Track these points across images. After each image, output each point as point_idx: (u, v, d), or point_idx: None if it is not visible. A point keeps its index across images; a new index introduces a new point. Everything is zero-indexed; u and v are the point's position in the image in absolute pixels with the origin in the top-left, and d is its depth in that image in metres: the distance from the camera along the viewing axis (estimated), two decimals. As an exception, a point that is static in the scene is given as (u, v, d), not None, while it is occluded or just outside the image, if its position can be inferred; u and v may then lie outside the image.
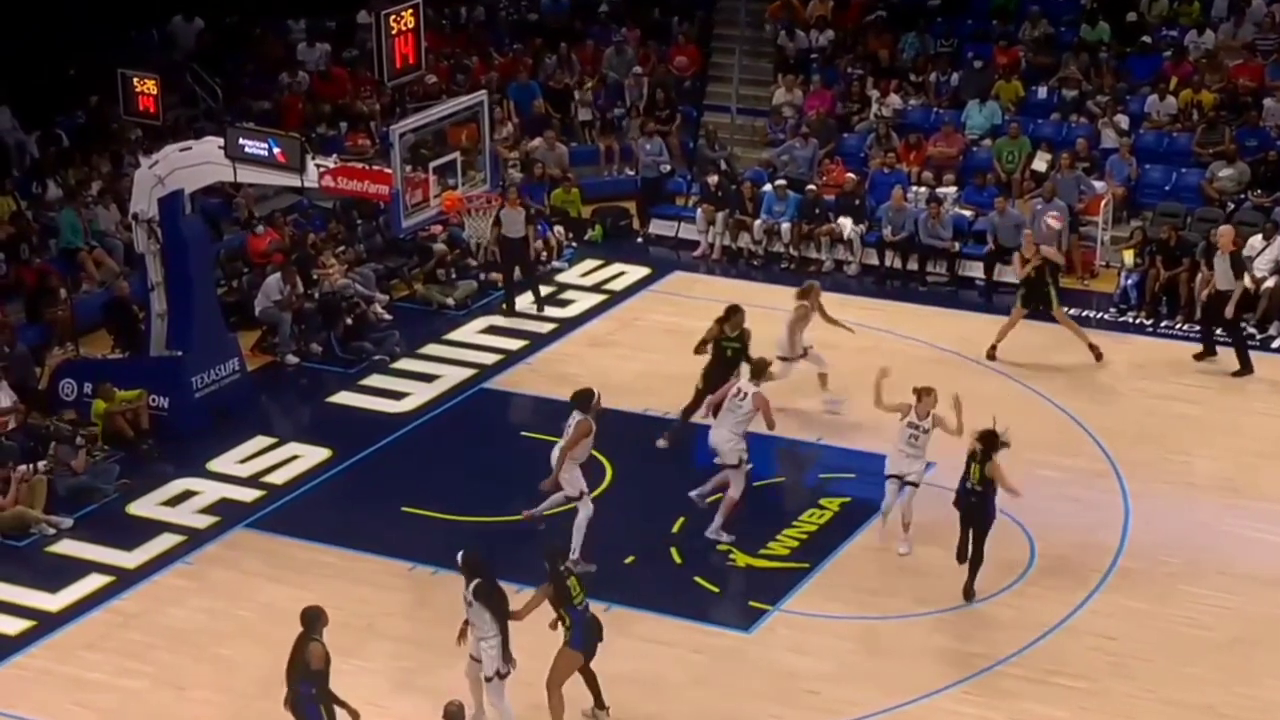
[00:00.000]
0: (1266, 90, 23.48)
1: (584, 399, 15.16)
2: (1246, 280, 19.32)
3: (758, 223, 22.98)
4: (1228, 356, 19.22)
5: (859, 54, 25.91)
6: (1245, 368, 19.08)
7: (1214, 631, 14.26)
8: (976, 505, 14.50)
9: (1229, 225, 20.31)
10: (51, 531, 15.98)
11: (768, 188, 23.22)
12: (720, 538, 15.56)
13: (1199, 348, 19.58)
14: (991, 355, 19.35)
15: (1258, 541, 15.64)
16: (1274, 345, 20.01)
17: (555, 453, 15.11)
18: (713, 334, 17.22)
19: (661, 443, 17.28)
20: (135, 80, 17.84)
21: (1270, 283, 20.37)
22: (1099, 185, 22.31)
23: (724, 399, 15.72)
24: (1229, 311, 19.05)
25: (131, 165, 20.53)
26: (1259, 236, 20.73)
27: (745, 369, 16.34)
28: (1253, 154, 22.49)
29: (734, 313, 17.24)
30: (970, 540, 14.63)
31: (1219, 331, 19.38)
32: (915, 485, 15.39)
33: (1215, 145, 22.74)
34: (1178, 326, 20.49)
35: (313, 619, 12.18)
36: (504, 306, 21.05)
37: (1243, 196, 22.12)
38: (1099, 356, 19.24)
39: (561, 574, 12.75)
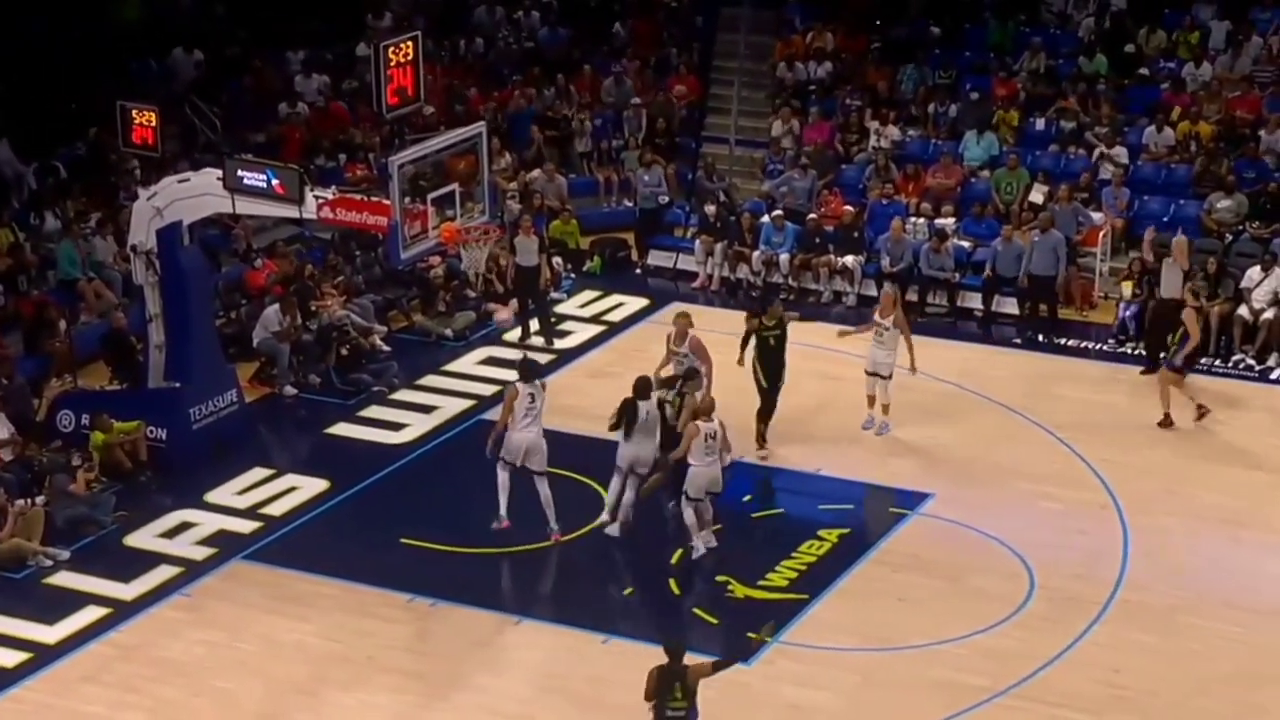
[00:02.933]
0: (1264, 122, 23.52)
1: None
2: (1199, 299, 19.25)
3: (756, 254, 22.99)
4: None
5: (857, 85, 25.97)
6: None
7: (1219, 663, 14.18)
8: None
9: (1184, 237, 20.34)
10: (49, 563, 15.88)
11: (766, 219, 23.23)
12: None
13: (1201, 379, 19.52)
14: (1166, 424, 18.39)
15: (1262, 573, 15.56)
16: (1273, 376, 20.01)
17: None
18: (751, 328, 17.54)
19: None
20: (134, 112, 17.82)
21: (1269, 314, 20.37)
22: (1097, 216, 22.32)
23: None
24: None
25: (129, 197, 20.52)
26: (1257, 268, 20.74)
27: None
28: (1251, 185, 22.51)
29: (768, 302, 17.90)
30: None
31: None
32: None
33: (1213, 177, 22.74)
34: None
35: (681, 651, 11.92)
36: (520, 336, 21.08)
37: (1241, 228, 22.13)
38: (1202, 414, 18.38)
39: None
